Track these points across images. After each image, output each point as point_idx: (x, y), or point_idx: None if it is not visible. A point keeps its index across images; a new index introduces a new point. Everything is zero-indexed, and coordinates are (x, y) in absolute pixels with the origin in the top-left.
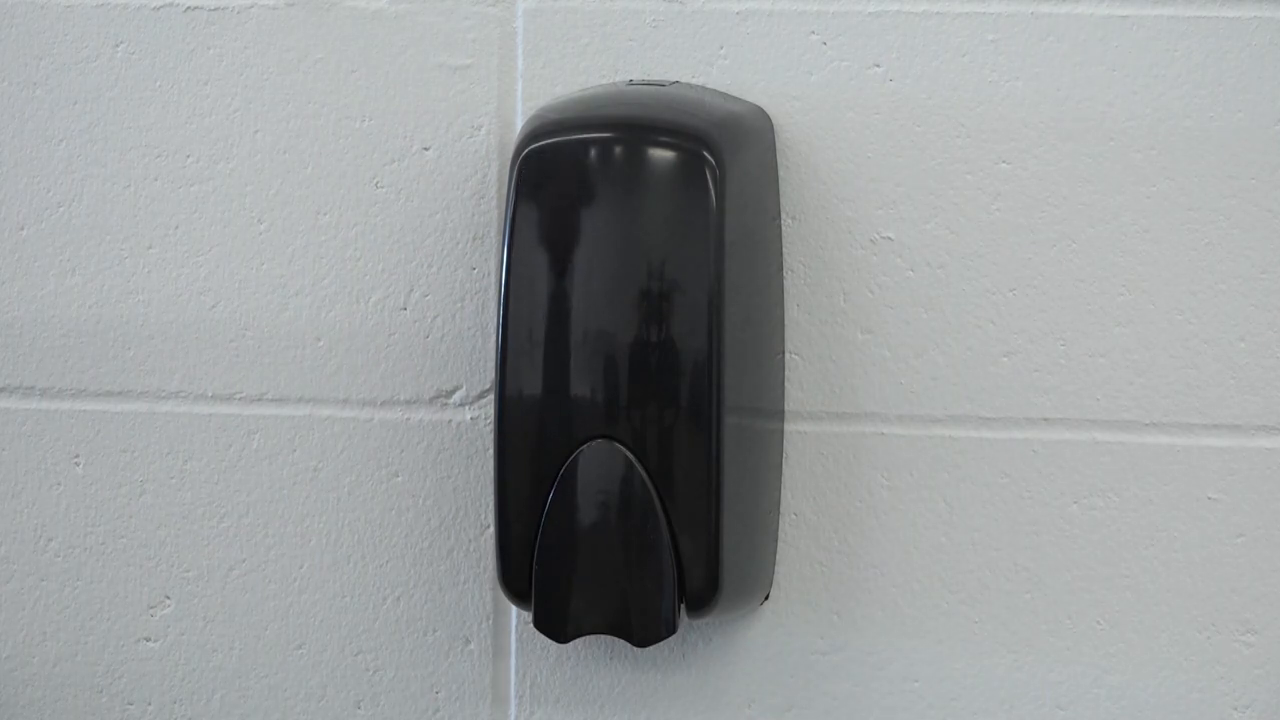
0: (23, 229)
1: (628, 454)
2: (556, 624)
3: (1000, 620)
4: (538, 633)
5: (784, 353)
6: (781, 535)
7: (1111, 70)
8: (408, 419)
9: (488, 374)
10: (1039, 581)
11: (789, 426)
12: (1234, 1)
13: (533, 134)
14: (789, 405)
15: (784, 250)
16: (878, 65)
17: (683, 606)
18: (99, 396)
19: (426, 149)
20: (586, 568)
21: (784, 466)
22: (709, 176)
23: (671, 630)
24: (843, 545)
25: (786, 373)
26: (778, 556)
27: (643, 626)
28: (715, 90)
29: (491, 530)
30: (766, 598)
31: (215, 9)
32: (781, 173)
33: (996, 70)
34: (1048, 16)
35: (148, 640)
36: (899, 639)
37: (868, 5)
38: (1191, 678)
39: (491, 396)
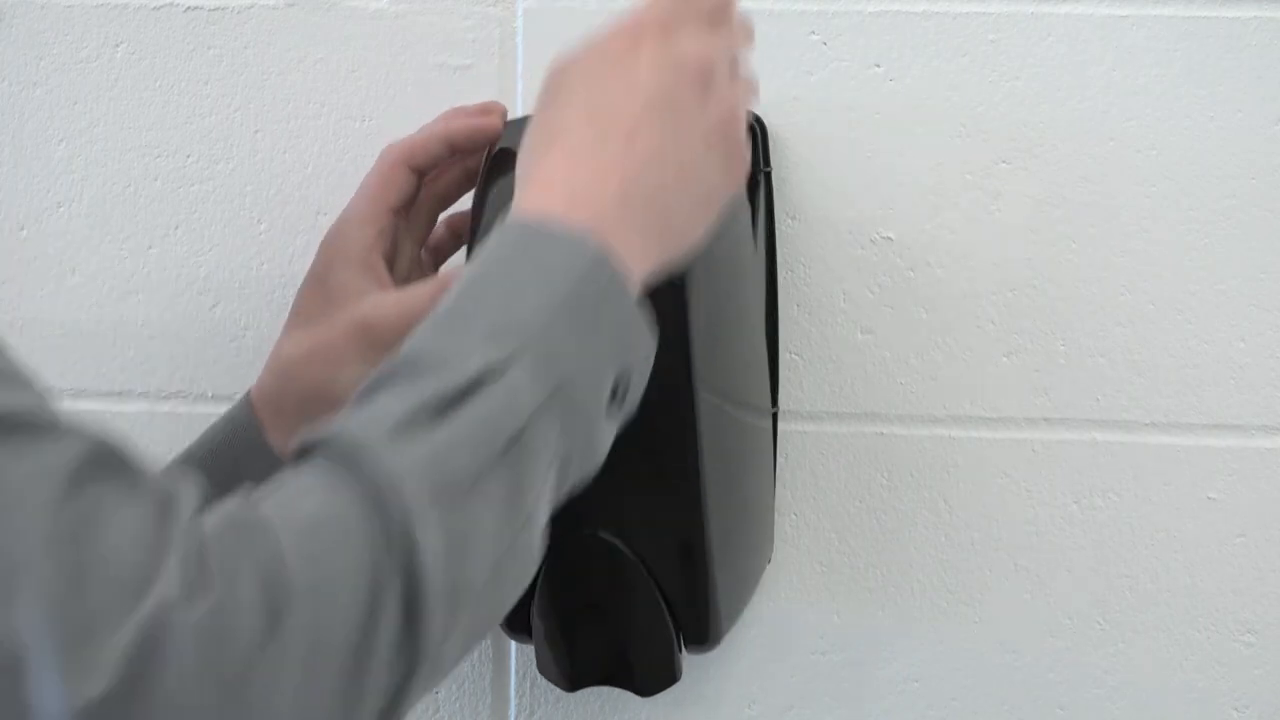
0: (23, 229)
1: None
2: (560, 672)
3: (1000, 620)
4: None
5: (780, 353)
6: (781, 535)
7: (1111, 70)
8: None
9: None
10: (1039, 581)
11: (789, 426)
12: (1234, 1)
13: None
14: (789, 405)
15: (784, 250)
16: (878, 65)
17: (683, 654)
18: (99, 396)
19: None
20: (582, 621)
21: (784, 467)
22: None
23: (674, 679)
24: (843, 545)
25: (786, 373)
26: (777, 556)
27: (645, 678)
28: None
29: None
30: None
31: (215, 9)
32: (781, 173)
33: (996, 70)
34: (1048, 16)
35: None
36: (899, 639)
37: (868, 5)
38: (1191, 678)
39: None
